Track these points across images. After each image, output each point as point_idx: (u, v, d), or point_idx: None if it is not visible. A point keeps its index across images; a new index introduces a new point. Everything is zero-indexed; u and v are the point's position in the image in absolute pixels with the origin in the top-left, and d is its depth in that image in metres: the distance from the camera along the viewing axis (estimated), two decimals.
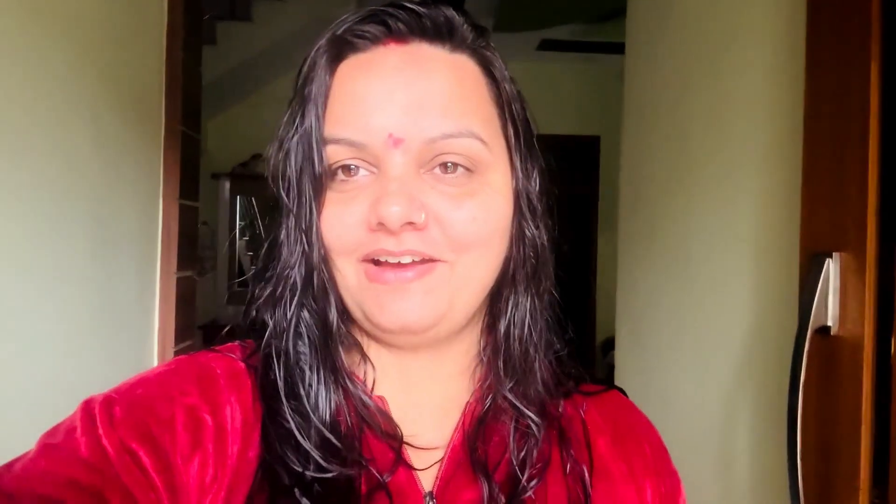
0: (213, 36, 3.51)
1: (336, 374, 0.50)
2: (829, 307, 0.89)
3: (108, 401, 0.46)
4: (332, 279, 0.50)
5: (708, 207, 1.44)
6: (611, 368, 4.44)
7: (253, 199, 4.42)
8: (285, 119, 0.52)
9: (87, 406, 0.46)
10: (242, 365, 0.52)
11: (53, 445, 0.44)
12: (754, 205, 1.27)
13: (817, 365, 0.90)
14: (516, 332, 0.53)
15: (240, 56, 3.74)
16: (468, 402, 0.54)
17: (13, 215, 0.97)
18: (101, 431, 0.44)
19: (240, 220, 4.51)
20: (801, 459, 0.89)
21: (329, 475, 0.46)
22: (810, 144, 0.95)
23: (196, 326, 1.73)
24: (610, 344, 4.43)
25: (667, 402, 1.62)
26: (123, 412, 0.45)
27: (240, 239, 4.49)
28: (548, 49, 4.34)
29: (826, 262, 0.88)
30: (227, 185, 4.38)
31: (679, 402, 1.55)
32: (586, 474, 0.53)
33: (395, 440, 0.50)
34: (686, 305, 1.54)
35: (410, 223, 0.46)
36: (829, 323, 0.89)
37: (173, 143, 1.46)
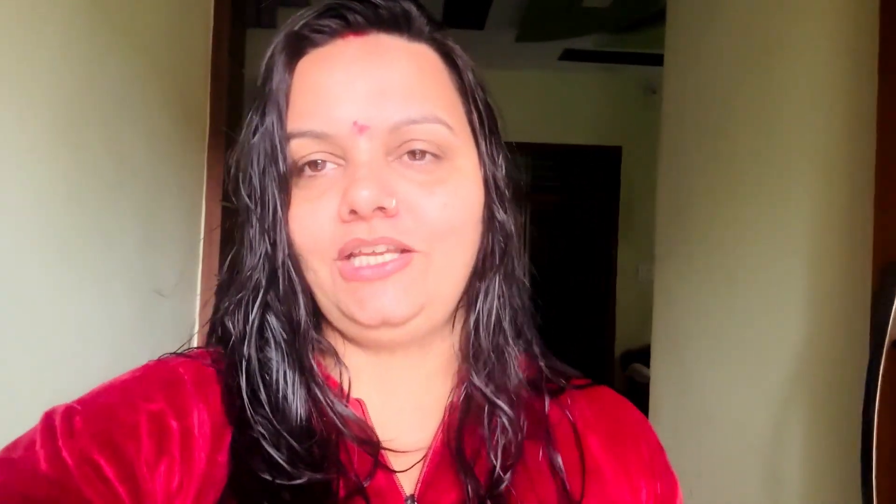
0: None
1: (306, 377, 0.49)
2: None
3: (69, 411, 0.45)
4: (301, 280, 0.49)
5: (757, 217, 1.41)
6: (631, 382, 4.39)
7: None
8: (247, 121, 0.51)
9: (48, 418, 0.44)
10: (211, 369, 0.50)
11: (12, 460, 0.42)
12: (810, 213, 1.24)
13: (893, 380, 0.87)
14: (484, 321, 0.52)
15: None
16: (449, 401, 0.52)
17: (69, 209, 0.97)
18: (60, 443, 0.42)
19: None
20: (877, 478, 0.86)
21: (299, 482, 0.45)
22: (885, 148, 0.92)
23: None
24: (629, 356, 4.37)
25: (709, 419, 1.58)
26: (84, 422, 0.44)
27: None
28: (571, 59, 4.33)
29: None
30: None
31: (723, 419, 1.52)
32: (577, 474, 0.51)
33: (371, 446, 0.48)
34: (732, 319, 1.51)
35: (381, 208, 0.45)
36: None
37: (217, 144, 1.46)
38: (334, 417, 0.48)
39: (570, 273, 4.61)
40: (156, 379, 0.48)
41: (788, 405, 1.28)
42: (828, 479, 1.15)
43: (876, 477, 0.86)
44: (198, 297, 1.43)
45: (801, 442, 1.23)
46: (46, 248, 0.92)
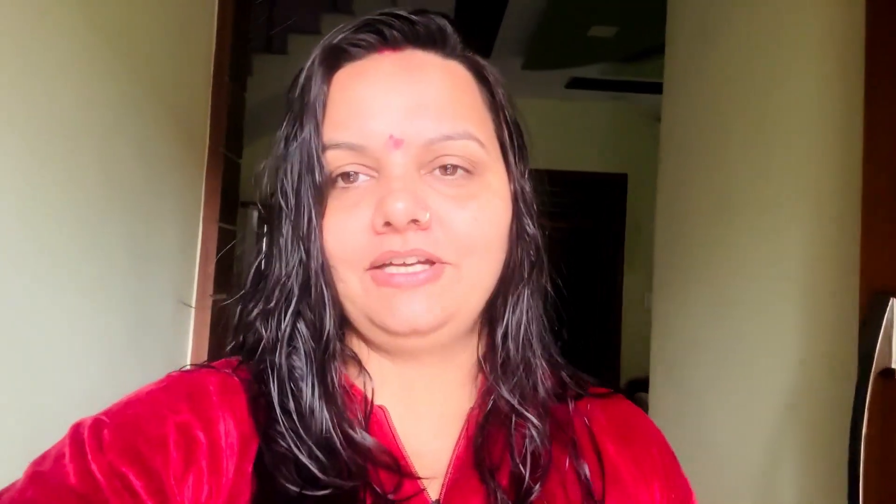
0: (249, 68, 3.59)
1: (332, 387, 0.49)
2: (894, 349, 0.85)
3: (98, 424, 0.45)
4: (331, 289, 0.50)
5: (752, 245, 1.41)
6: None
7: None
8: (282, 130, 0.52)
9: (76, 430, 0.45)
10: (236, 379, 0.51)
11: (42, 473, 0.43)
12: (803, 243, 1.24)
13: (880, 409, 0.86)
14: (513, 333, 0.53)
15: (275, 88, 3.81)
16: (471, 408, 0.53)
17: (59, 228, 0.98)
18: (89, 457, 0.43)
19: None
20: None
21: (327, 491, 0.45)
22: (870, 179, 0.92)
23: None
24: (636, 385, 4.32)
25: (705, 447, 1.56)
26: (112, 435, 0.44)
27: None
28: (577, 87, 4.37)
29: (890, 301, 0.85)
30: (256, 214, 4.44)
31: (718, 448, 1.50)
32: (598, 479, 0.52)
33: (394, 458, 0.49)
34: (727, 347, 1.50)
35: (415, 221, 0.46)
36: (894, 366, 0.85)
37: (216, 166, 1.48)
38: (361, 425, 0.49)
39: (576, 301, 4.59)
40: (181, 390, 0.49)
41: (782, 435, 1.26)
42: None
43: None
44: (192, 319, 1.44)
45: (795, 470, 1.21)
46: (34, 265, 0.93)
